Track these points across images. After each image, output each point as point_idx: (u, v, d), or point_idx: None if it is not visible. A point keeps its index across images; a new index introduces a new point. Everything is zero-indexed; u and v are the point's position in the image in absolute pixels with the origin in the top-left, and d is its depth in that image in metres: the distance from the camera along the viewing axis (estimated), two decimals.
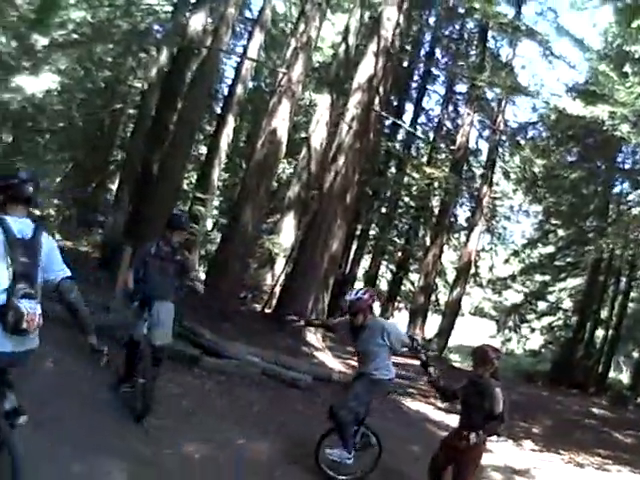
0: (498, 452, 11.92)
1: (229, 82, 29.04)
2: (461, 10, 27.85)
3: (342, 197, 19.13)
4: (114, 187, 31.81)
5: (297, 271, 19.08)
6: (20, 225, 4.85)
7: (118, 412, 8.66)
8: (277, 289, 19.74)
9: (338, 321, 9.49)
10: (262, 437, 9.14)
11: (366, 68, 19.16)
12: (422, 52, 33.03)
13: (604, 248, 24.17)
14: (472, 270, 33.30)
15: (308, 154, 20.76)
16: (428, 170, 25.58)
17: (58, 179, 33.92)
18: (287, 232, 20.33)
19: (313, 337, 18.24)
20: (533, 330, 36.03)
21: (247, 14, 28.34)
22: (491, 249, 37.08)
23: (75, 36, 23.64)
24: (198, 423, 9.30)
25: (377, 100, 20.10)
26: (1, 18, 20.75)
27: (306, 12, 19.89)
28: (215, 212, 25.15)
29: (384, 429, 9.74)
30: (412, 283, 36.00)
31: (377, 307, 17.51)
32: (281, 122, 18.58)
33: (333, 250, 19.38)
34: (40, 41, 20.80)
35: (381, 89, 20.11)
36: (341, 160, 18.95)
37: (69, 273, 5.48)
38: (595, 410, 21.62)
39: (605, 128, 19.42)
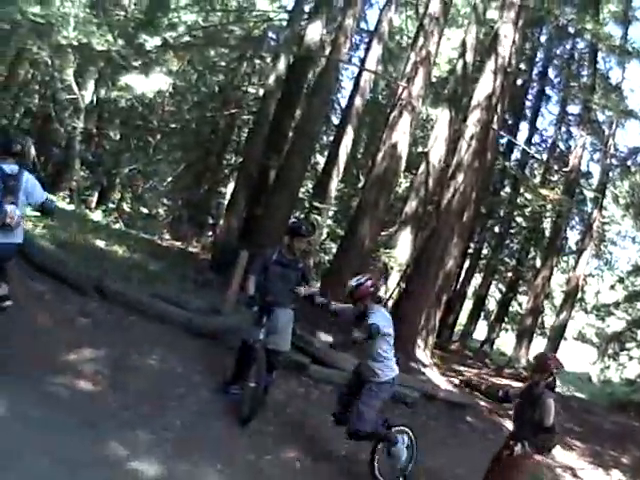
0: None
1: (347, 94, 28.76)
2: (571, 30, 27.15)
3: (459, 215, 18.92)
4: (225, 190, 32.47)
5: (411, 287, 18.74)
6: (10, 167, 7.41)
7: (222, 414, 8.73)
8: (390, 303, 19.48)
9: (342, 307, 8.94)
10: (363, 450, 8.92)
11: (485, 86, 18.88)
12: (535, 71, 32.38)
13: None
14: (579, 295, 32.46)
15: (426, 169, 20.39)
16: (543, 192, 25.07)
17: (169, 179, 34.28)
18: (403, 246, 19.97)
19: (422, 353, 18.07)
20: (631, 358, 34.07)
21: (363, 25, 28.01)
22: (598, 275, 35.96)
23: (187, 39, 23.86)
24: (299, 431, 9.31)
25: (495, 119, 19.91)
26: (107, 18, 21.04)
27: (424, 26, 19.48)
28: (330, 222, 25.01)
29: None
30: (520, 304, 35.20)
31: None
32: (401, 136, 18.34)
33: (448, 268, 19.28)
34: (150, 42, 20.90)
35: (499, 108, 19.87)
36: (460, 177, 18.64)
37: (51, 197, 8.63)
38: None
39: None
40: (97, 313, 10.62)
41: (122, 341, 9.81)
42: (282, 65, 20.56)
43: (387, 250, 20.36)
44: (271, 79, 20.90)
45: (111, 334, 9.93)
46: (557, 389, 7.71)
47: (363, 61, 24.34)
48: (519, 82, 29.91)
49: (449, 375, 18.41)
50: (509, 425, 13.94)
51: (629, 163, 31.83)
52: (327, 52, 20.96)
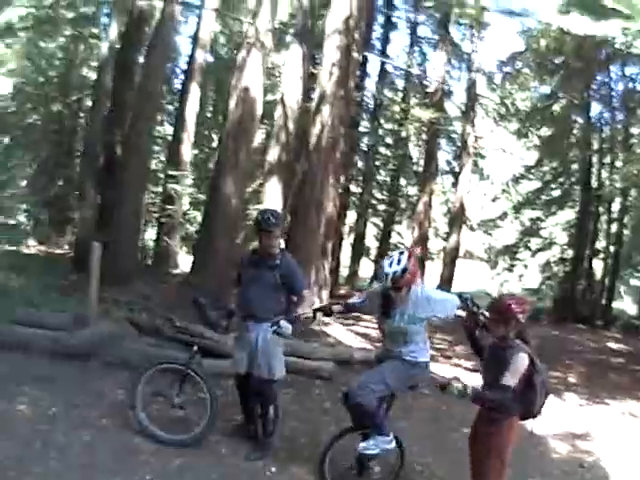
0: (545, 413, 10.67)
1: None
2: None
3: (331, 151, 17.88)
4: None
5: (293, 240, 17.41)
6: None
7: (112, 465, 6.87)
8: None
9: (365, 297, 7.23)
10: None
11: (339, 8, 17.87)
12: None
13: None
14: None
15: (284, 113, 19.32)
16: (418, 113, 24.54)
17: (24, 183, 32.89)
18: (273, 199, 18.82)
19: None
20: (526, 267, 35.80)
21: None
22: (478, 191, 36.46)
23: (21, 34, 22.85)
24: None
25: (355, 43, 18.64)
26: None
27: None
28: (190, 190, 23.88)
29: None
30: (399, 234, 35.61)
31: None
32: (253, 77, 17.05)
33: (328, 212, 18.11)
34: None
35: (357, 31, 18.67)
36: (326, 110, 17.69)
37: None
38: (613, 345, 21.51)
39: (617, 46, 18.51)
40: None
41: None
42: (114, 33, 20.01)
43: (256, 206, 19.23)
44: (104, 50, 20.28)
45: None
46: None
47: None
48: None
49: (348, 325, 17.29)
50: (447, 375, 12.88)
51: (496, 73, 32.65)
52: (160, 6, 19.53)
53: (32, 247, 27.36)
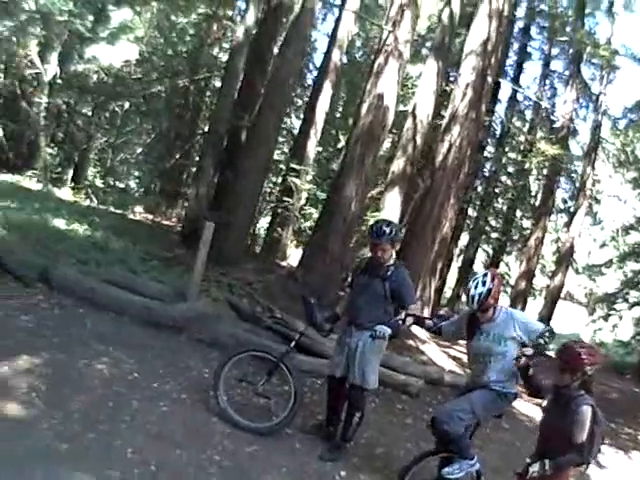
0: (611, 468, 9.99)
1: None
2: None
3: (456, 172, 17.73)
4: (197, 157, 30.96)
5: (405, 254, 17.05)
6: None
7: (184, 437, 6.84)
8: None
9: (453, 322, 7.15)
10: None
11: (478, 31, 17.87)
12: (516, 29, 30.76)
13: None
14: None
15: (413, 125, 19.04)
16: (543, 146, 23.98)
17: (139, 150, 33.22)
18: (391, 209, 18.54)
19: (419, 329, 16.51)
20: (621, 318, 33.56)
21: None
22: (589, 234, 35.45)
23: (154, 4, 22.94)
24: None
25: (490, 67, 18.52)
26: None
27: None
28: (309, 186, 23.69)
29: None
30: (507, 265, 34.73)
31: None
32: (388, 85, 16.73)
33: (444, 231, 17.81)
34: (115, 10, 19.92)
35: (494, 55, 18.59)
36: (455, 130, 17.57)
37: None
38: None
39: None
40: (40, 308, 9.15)
41: (67, 342, 8.22)
42: (251, 18, 19.61)
43: (374, 213, 18.92)
44: (239, 33, 19.90)
45: (54, 334, 8.35)
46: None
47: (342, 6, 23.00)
48: None
49: (444, 347, 16.94)
50: (528, 413, 12.37)
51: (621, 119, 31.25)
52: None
53: (138, 214, 27.60)
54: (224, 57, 30.15)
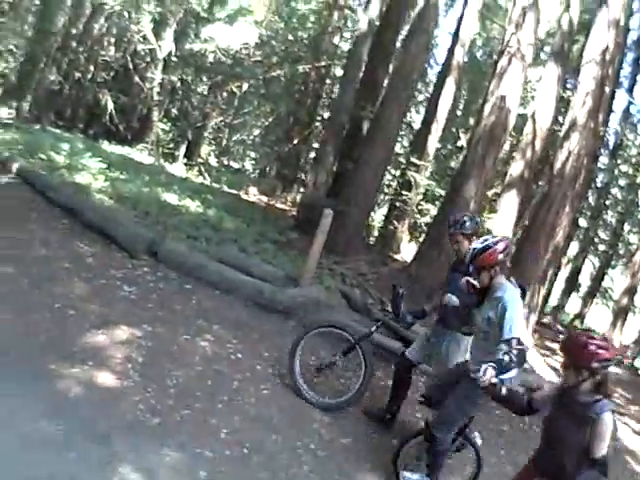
0: None
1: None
2: None
3: (573, 181, 17.11)
4: (317, 145, 30.56)
5: (519, 258, 16.76)
6: None
7: (289, 421, 6.88)
8: None
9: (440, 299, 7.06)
10: None
11: (597, 39, 17.07)
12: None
13: None
14: None
15: (533, 129, 18.70)
16: None
17: (257, 132, 33.42)
18: (507, 212, 18.21)
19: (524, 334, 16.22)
20: None
21: None
22: None
23: None
24: None
25: (609, 76, 17.89)
26: None
27: None
28: (428, 181, 23.42)
29: None
30: (612, 279, 33.57)
31: None
32: (511, 87, 16.50)
33: (557, 239, 17.37)
34: None
35: (611, 65, 17.85)
36: (574, 139, 16.85)
37: None
38: None
39: None
40: (145, 280, 9.12)
41: (170, 316, 8.21)
42: (375, 9, 19.48)
43: (491, 215, 18.69)
44: (363, 24, 19.80)
45: (157, 307, 8.34)
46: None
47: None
48: None
49: (545, 356, 16.63)
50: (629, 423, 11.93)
51: None
52: None
53: (252, 195, 27.55)
54: (344, 46, 30.25)
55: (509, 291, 5.89)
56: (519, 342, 5.49)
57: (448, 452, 6.30)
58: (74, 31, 30.13)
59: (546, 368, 15.25)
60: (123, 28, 29.35)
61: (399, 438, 6.79)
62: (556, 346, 17.77)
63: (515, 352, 5.39)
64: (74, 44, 30.43)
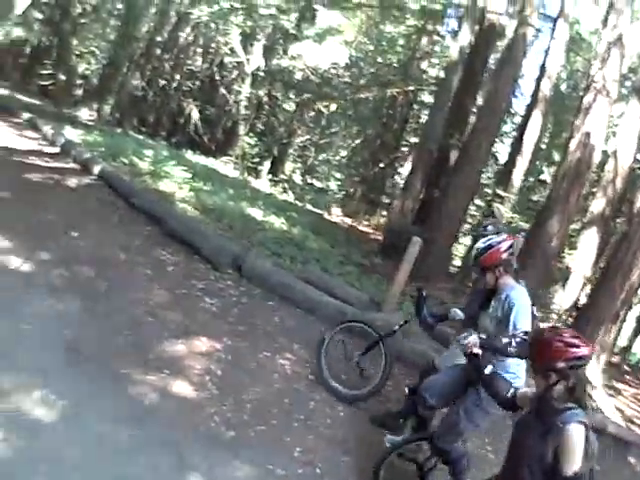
0: None
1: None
2: None
3: None
4: (402, 170, 30.95)
5: (595, 296, 16.53)
6: None
7: (361, 447, 6.83)
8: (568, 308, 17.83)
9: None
10: None
11: None
12: None
13: None
14: None
15: (615, 168, 18.44)
16: None
17: (343, 153, 33.56)
18: (587, 249, 18.03)
19: (594, 373, 15.82)
20: None
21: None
22: None
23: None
24: None
25: None
26: None
27: (615, 4, 17.32)
28: (511, 214, 23.28)
29: None
30: None
31: None
32: (597, 124, 16.41)
33: (633, 279, 17.11)
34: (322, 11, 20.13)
35: None
36: None
37: None
38: None
39: None
40: (228, 294, 9.25)
41: (251, 332, 8.36)
42: (465, 37, 19.29)
43: (570, 251, 18.74)
44: (453, 52, 19.63)
45: (239, 321, 8.49)
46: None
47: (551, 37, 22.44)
48: None
49: (613, 396, 15.97)
50: None
51: None
52: (513, 25, 19.14)
53: (336, 216, 27.71)
54: (432, 72, 30.14)
55: (515, 290, 5.73)
56: (525, 333, 5.29)
57: (465, 455, 6.05)
58: (159, 38, 30.65)
59: (613, 409, 15.04)
60: (210, 39, 29.80)
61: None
62: (623, 387, 17.68)
63: (518, 340, 5.21)
64: (158, 51, 31.01)
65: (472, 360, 5.00)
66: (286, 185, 27.21)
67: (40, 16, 31.94)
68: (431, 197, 18.54)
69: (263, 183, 25.31)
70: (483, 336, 5.24)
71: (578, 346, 3.99)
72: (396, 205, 20.58)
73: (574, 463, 3.79)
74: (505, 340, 5.24)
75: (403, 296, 11.02)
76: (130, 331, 7.03)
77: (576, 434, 3.81)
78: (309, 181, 33.76)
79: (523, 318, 5.52)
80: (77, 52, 29.84)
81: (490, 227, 7.10)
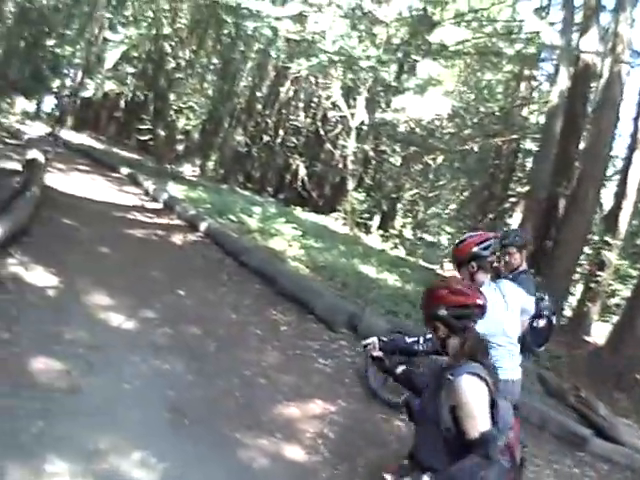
0: None
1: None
2: None
3: None
4: (510, 221, 29.82)
5: None
6: None
7: None
8: None
9: None
10: None
11: None
12: None
13: None
14: None
15: None
16: None
17: (453, 206, 33.24)
18: None
19: None
20: None
21: None
22: None
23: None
24: None
25: None
26: (368, 32, 21.40)
27: None
28: (620, 262, 22.49)
29: None
30: None
31: None
32: None
33: None
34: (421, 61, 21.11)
35: None
36: None
37: None
38: None
39: None
40: (342, 354, 9.00)
41: (367, 394, 7.98)
42: (564, 81, 19.15)
43: None
44: (553, 97, 19.57)
45: (354, 383, 8.15)
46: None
47: None
48: None
49: None
50: None
51: None
52: (607, 63, 18.76)
53: (448, 271, 27.06)
54: (532, 118, 30.10)
55: (487, 287, 5.18)
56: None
57: None
58: (258, 93, 31.15)
59: None
60: (311, 93, 29.96)
61: None
62: None
63: (428, 335, 4.81)
64: (259, 106, 31.42)
65: (377, 363, 4.66)
66: (397, 240, 26.89)
67: (132, 70, 32.78)
68: (543, 248, 18.08)
69: (374, 239, 25.18)
70: (384, 338, 5.04)
71: (463, 294, 3.83)
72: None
73: (474, 419, 3.44)
74: (412, 339, 5.07)
75: None
76: (240, 393, 6.79)
77: (467, 384, 3.51)
78: (420, 235, 33.61)
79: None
80: (175, 107, 30.20)
81: (514, 237, 7.14)
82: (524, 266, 7.03)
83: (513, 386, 5.39)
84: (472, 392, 3.47)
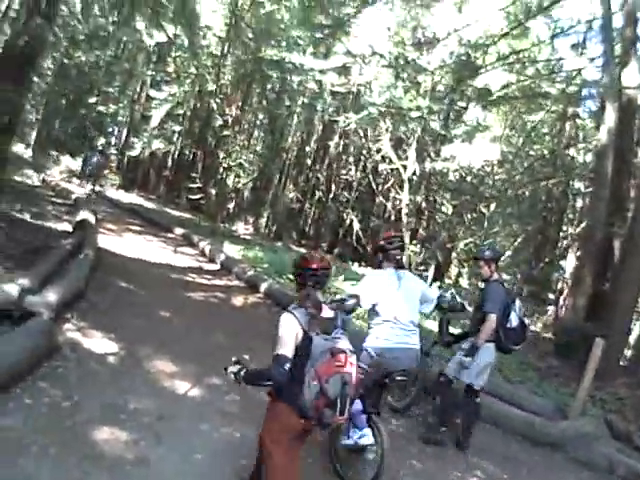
0: None
1: None
2: None
3: None
4: (564, 263, 30.35)
5: None
6: None
7: None
8: None
9: None
10: None
11: None
12: None
13: None
14: None
15: None
16: None
17: (508, 252, 32.98)
18: None
19: None
20: None
21: None
22: None
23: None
24: None
25: None
26: (412, 82, 21.00)
27: None
28: None
29: None
30: None
31: None
32: None
33: None
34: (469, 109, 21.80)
35: None
36: None
37: None
38: None
39: None
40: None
41: (440, 452, 8.06)
42: (611, 118, 18.66)
43: None
44: (602, 135, 19.10)
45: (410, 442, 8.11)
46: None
47: None
48: None
49: None
50: None
51: None
52: None
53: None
54: (579, 157, 29.83)
55: (387, 272, 7.20)
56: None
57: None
58: (307, 148, 31.10)
59: None
60: (361, 146, 29.97)
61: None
62: None
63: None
64: (309, 161, 31.45)
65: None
66: (453, 291, 26.34)
67: (178, 128, 32.96)
68: (601, 291, 17.62)
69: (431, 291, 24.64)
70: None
71: (318, 261, 5.03)
72: (568, 302, 19.79)
73: (276, 344, 4.58)
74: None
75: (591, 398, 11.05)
76: (313, 459, 6.69)
77: (282, 318, 4.67)
78: (477, 284, 33.18)
79: (357, 289, 7.16)
80: (225, 165, 30.36)
81: (487, 252, 8.87)
82: (495, 276, 8.66)
83: (395, 353, 6.74)
84: (283, 324, 4.63)
